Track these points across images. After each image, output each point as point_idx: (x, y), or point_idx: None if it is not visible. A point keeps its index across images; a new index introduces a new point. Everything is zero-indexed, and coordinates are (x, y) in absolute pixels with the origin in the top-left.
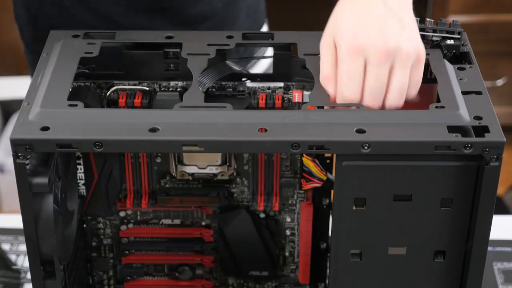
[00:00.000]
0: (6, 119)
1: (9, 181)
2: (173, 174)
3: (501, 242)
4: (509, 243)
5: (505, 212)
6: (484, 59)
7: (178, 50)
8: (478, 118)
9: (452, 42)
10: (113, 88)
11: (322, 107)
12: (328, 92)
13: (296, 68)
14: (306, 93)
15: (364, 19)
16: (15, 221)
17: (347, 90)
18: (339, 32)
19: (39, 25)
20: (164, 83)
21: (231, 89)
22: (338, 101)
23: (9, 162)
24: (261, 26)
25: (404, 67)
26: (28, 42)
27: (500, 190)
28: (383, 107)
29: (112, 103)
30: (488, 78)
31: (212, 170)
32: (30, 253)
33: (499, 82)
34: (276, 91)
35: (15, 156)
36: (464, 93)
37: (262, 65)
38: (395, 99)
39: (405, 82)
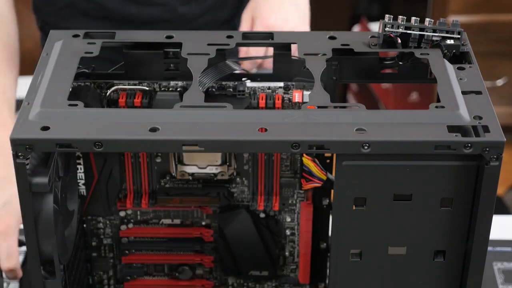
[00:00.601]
0: None
1: None
2: (173, 174)
3: (501, 242)
4: (509, 243)
5: (505, 212)
6: (484, 59)
7: (178, 50)
8: (478, 118)
9: (452, 42)
10: (113, 88)
11: (322, 107)
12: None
13: (296, 68)
14: (306, 93)
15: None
16: None
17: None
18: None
19: None
20: (164, 83)
21: (231, 89)
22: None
23: None
24: None
25: None
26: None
27: (500, 190)
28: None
29: (112, 103)
30: (488, 78)
31: (212, 170)
32: (30, 253)
33: (499, 82)
34: (276, 91)
35: (15, 156)
36: (464, 93)
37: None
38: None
39: None
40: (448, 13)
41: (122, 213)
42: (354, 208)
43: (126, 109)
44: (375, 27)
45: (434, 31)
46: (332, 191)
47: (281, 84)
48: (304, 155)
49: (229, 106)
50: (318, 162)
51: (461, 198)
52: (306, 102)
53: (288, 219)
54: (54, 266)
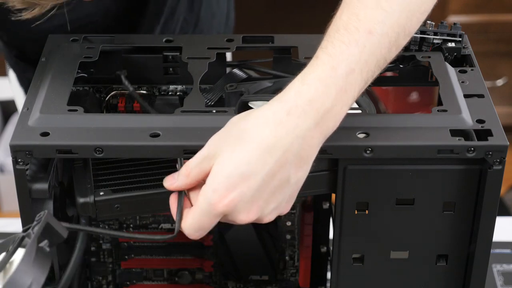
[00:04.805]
0: (6, 119)
1: (9, 181)
2: None
3: (501, 244)
4: (508, 245)
5: (505, 213)
6: (484, 59)
7: (178, 54)
8: (480, 121)
9: (453, 45)
10: (112, 93)
11: None
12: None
13: (297, 72)
14: None
15: (252, 180)
16: (15, 225)
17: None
18: (214, 175)
19: None
20: (164, 87)
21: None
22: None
23: (9, 162)
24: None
25: None
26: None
27: (500, 190)
28: None
29: (112, 108)
30: (488, 78)
31: None
32: None
33: (499, 82)
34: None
35: (15, 162)
36: (466, 96)
37: None
38: None
39: None
40: (448, 13)
41: (121, 218)
42: (356, 212)
43: (126, 114)
44: None
45: (435, 34)
46: (333, 195)
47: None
48: None
49: (230, 110)
50: None
51: (463, 202)
52: None
53: (289, 223)
54: (53, 271)
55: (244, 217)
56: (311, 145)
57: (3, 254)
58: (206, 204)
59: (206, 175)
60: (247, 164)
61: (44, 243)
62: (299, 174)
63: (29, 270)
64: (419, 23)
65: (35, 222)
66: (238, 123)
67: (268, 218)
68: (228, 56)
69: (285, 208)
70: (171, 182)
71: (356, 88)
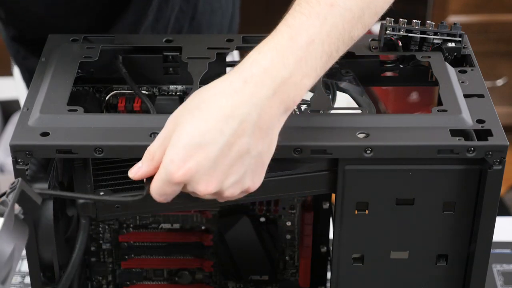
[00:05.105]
0: (6, 119)
1: (9, 181)
2: None
3: (501, 243)
4: (508, 245)
5: (505, 213)
6: (484, 59)
7: (178, 54)
8: (480, 121)
9: (453, 45)
10: (112, 93)
11: (324, 111)
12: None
13: None
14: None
15: (208, 150)
16: None
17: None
18: (172, 145)
19: None
20: (164, 87)
21: None
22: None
23: (9, 162)
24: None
25: None
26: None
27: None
28: None
29: (112, 108)
30: (488, 78)
31: None
32: (30, 259)
33: (499, 82)
34: None
35: (15, 162)
36: (466, 96)
37: None
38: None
39: None
40: (448, 13)
41: (121, 218)
42: (356, 212)
43: (126, 114)
44: (376, 27)
45: (436, 34)
46: (333, 195)
47: None
48: None
49: None
50: None
51: (463, 202)
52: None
53: (289, 224)
54: (53, 271)
55: (203, 188)
56: (271, 115)
57: None
58: (164, 174)
59: None
60: (203, 134)
61: (18, 211)
62: (261, 146)
63: (10, 238)
64: (387, 2)
65: (8, 190)
66: (198, 93)
67: (230, 192)
68: (236, 55)
69: (250, 184)
70: (135, 171)
71: (318, 61)
